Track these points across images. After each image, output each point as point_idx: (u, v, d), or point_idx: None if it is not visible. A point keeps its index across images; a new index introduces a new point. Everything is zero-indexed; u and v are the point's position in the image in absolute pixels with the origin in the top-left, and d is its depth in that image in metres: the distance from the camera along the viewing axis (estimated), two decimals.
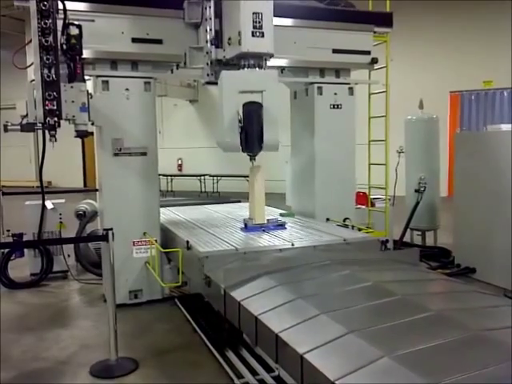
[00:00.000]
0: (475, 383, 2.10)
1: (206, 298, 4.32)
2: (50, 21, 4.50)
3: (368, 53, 6.31)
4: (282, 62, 5.92)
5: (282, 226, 5.37)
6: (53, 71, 4.56)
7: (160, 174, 6.09)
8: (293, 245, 4.58)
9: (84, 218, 7.11)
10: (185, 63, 5.42)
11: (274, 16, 4.77)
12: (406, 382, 2.16)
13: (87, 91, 4.90)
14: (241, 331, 3.71)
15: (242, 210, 6.75)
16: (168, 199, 9.19)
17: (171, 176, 17.63)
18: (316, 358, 2.48)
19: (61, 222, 6.79)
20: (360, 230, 5.66)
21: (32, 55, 4.60)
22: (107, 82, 5.29)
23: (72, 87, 4.78)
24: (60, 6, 4.70)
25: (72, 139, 5.48)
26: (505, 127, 6.30)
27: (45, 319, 5.30)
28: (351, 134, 6.43)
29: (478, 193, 6.23)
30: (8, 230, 6.69)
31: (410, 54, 14.91)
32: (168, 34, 5.34)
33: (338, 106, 6.30)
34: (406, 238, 7.73)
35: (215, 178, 17.13)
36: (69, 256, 6.81)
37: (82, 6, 5.03)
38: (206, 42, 5.13)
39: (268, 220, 5.39)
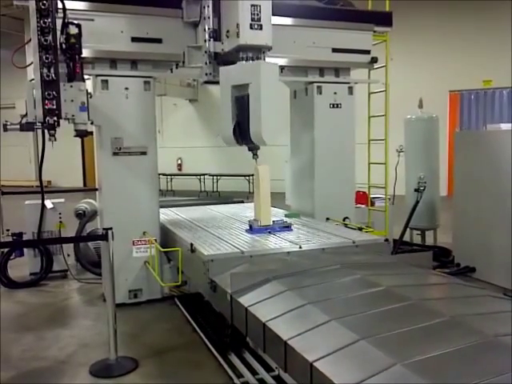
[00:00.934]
0: None
1: (211, 303, 4.17)
2: (50, 20, 4.50)
3: (368, 52, 6.31)
4: (282, 61, 5.91)
5: (288, 227, 5.23)
6: (52, 70, 4.56)
7: (160, 174, 6.10)
8: (300, 247, 4.45)
9: (84, 217, 7.10)
10: (183, 62, 5.42)
11: (274, 15, 4.78)
12: None
13: (87, 90, 4.90)
14: (244, 334, 3.62)
15: (245, 211, 6.70)
16: (169, 199, 9.14)
17: (171, 175, 17.63)
18: (326, 365, 2.41)
19: (60, 222, 6.79)
20: (360, 229, 5.66)
21: (31, 54, 4.60)
22: (107, 81, 5.28)
23: (71, 86, 4.78)
24: (59, 5, 4.70)
25: (71, 138, 5.48)
26: (504, 126, 6.31)
27: (44, 319, 5.30)
28: (351, 133, 6.43)
29: (477, 192, 6.23)
30: (8, 230, 6.69)
31: (409, 53, 14.91)
32: (167, 33, 5.34)
33: (337, 105, 6.30)
34: (406, 238, 7.72)
35: (215, 177, 17.13)
36: (68, 255, 6.81)
37: (81, 5, 5.03)
38: (205, 40, 5.13)
39: (274, 221, 5.25)
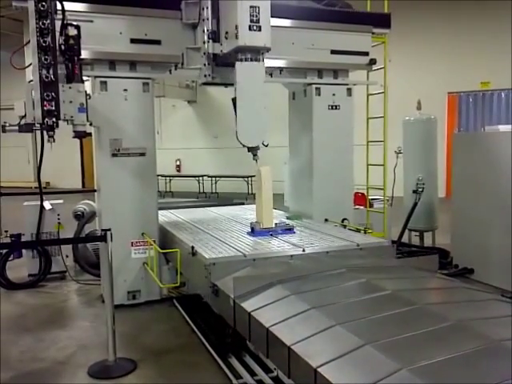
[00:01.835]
0: None
1: (213, 307, 4.06)
2: (49, 21, 4.50)
3: (366, 54, 6.32)
4: (280, 63, 5.92)
5: (290, 229, 5.17)
6: (51, 72, 4.56)
7: (158, 175, 6.09)
8: (304, 250, 4.38)
9: (82, 218, 7.10)
10: (182, 64, 5.43)
11: (272, 17, 4.78)
12: None
13: (85, 92, 4.90)
14: (244, 337, 3.59)
15: (246, 213, 6.66)
16: (169, 201, 9.14)
17: (170, 177, 17.63)
18: (331, 371, 2.38)
19: (59, 223, 6.79)
20: (358, 230, 5.66)
21: (30, 56, 4.59)
22: (105, 82, 5.29)
23: (70, 88, 4.77)
24: (58, 6, 4.71)
25: (70, 140, 5.48)
26: (502, 128, 6.31)
27: (43, 320, 5.29)
28: (349, 134, 6.44)
29: (476, 193, 6.24)
30: (6, 231, 6.68)
31: (408, 54, 14.94)
32: (166, 35, 5.35)
33: (336, 106, 6.31)
34: (404, 239, 7.73)
35: (214, 178, 17.14)
36: (67, 257, 6.80)
37: (80, 7, 5.03)
38: (204, 42, 5.14)
39: (276, 224, 5.20)
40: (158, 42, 5.33)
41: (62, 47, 4.70)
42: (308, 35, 6.01)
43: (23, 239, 6.57)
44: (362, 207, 7.38)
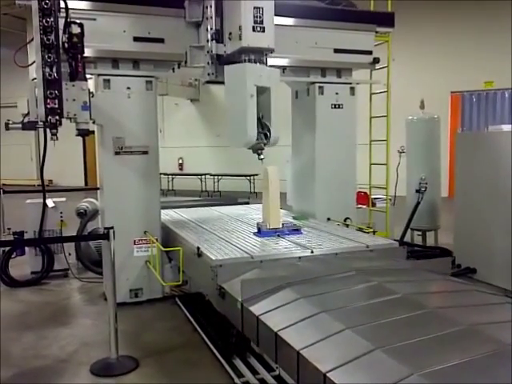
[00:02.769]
0: None
1: (219, 310, 3.95)
2: (52, 19, 4.50)
3: (369, 53, 6.31)
4: (284, 62, 5.92)
5: (297, 230, 5.07)
6: (54, 70, 4.55)
7: (161, 173, 6.09)
8: (312, 252, 4.29)
9: (85, 216, 7.11)
10: (186, 62, 5.43)
11: (276, 15, 4.76)
12: None
13: (89, 90, 4.90)
14: (248, 338, 3.54)
15: (252, 213, 6.60)
16: (173, 200, 9.06)
17: (172, 175, 17.65)
18: (340, 376, 2.33)
19: (62, 221, 6.79)
20: (361, 229, 5.66)
21: (34, 53, 4.60)
22: (109, 80, 5.29)
23: (73, 86, 4.77)
24: (62, 4, 4.70)
25: (73, 138, 5.48)
26: (506, 128, 6.30)
27: (45, 317, 5.30)
28: (352, 133, 6.43)
29: (478, 193, 6.23)
30: (9, 229, 6.70)
31: (411, 54, 14.91)
32: (169, 33, 5.34)
33: (339, 105, 6.30)
34: (407, 238, 7.73)
35: (216, 177, 17.14)
36: (69, 254, 6.82)
37: (83, 5, 5.03)
38: (207, 40, 5.13)
39: (283, 224, 5.09)
40: (161, 41, 5.33)
41: (66, 45, 4.70)
42: (311, 34, 6.00)
43: (26, 237, 6.58)
44: (364, 206, 7.38)
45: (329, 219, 6.11)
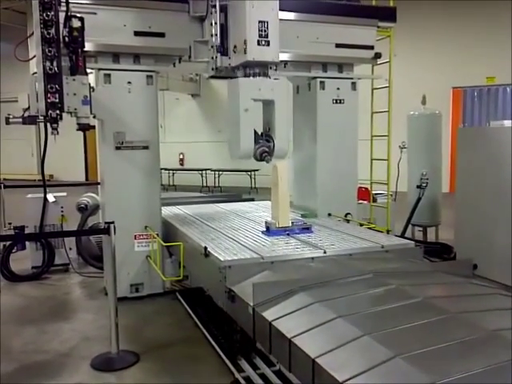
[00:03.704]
0: None
1: (228, 313, 3.74)
2: (52, 13, 4.48)
3: (371, 47, 6.27)
4: (285, 57, 5.87)
5: (307, 228, 4.87)
6: (55, 64, 4.54)
7: (162, 168, 6.08)
8: (325, 252, 4.11)
9: (86, 211, 7.12)
10: (189, 57, 5.40)
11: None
12: None
13: (89, 84, 4.89)
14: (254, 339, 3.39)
15: (258, 210, 6.45)
16: (175, 196, 8.94)
17: (173, 170, 17.65)
18: None
19: (62, 215, 6.81)
20: (361, 225, 5.65)
21: (34, 48, 4.59)
22: (109, 75, 5.28)
23: (74, 80, 4.76)
24: None
25: (74, 132, 5.47)
26: (507, 123, 6.27)
27: (46, 312, 5.31)
28: (354, 129, 6.40)
29: (479, 189, 6.22)
30: (10, 223, 6.70)
31: (413, 49, 14.87)
32: (170, 28, 5.33)
33: (340, 100, 6.27)
34: (408, 234, 7.72)
35: (217, 172, 17.13)
36: (70, 249, 6.83)
37: None
38: (211, 35, 5.10)
39: (292, 223, 4.88)
40: (161, 35, 5.31)
41: (66, 39, 4.68)
42: (313, 29, 5.97)
43: (27, 231, 6.59)
44: (365, 202, 7.37)
45: (330, 215, 6.10)
